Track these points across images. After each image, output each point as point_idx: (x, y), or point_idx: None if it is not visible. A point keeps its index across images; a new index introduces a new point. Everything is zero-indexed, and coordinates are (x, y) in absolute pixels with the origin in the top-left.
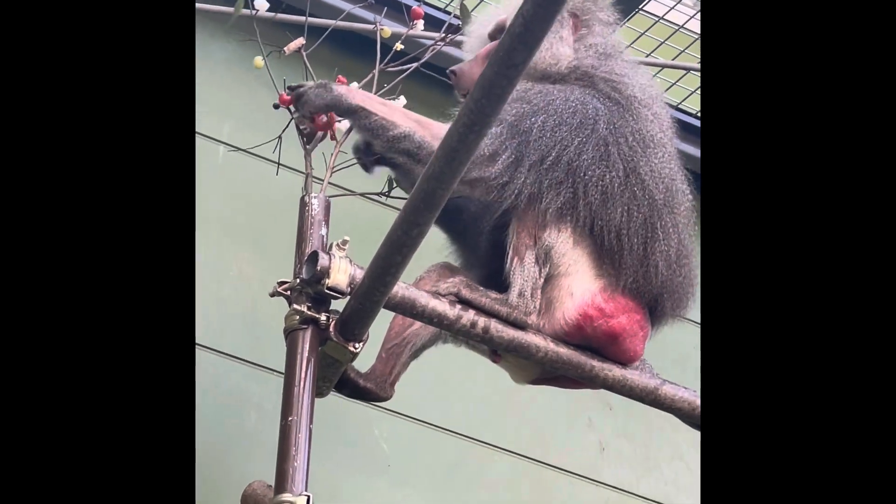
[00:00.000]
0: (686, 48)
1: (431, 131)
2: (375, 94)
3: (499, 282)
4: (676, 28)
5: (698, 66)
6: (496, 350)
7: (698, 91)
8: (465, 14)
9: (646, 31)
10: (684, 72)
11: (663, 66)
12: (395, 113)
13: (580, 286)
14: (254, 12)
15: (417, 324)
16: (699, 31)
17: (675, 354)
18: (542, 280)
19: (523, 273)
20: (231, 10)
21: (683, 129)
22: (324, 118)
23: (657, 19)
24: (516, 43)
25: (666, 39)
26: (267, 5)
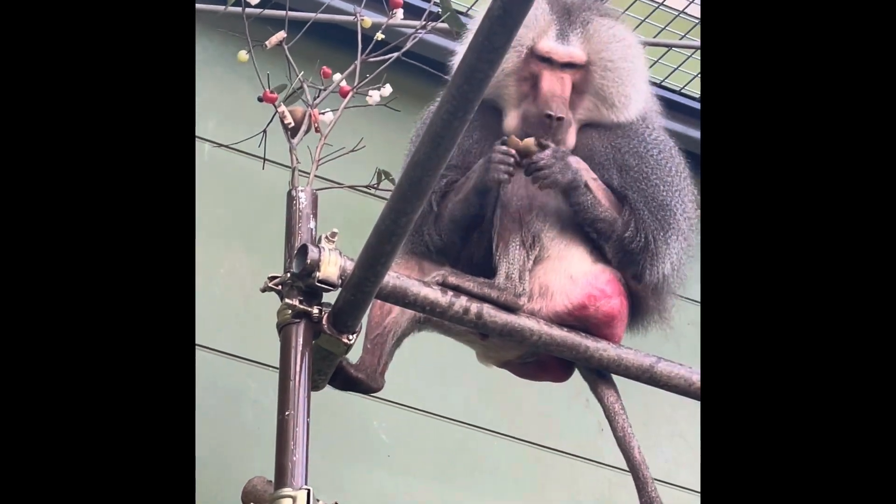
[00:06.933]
0: (687, 32)
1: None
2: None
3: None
4: (677, 13)
5: (698, 45)
6: (487, 334)
7: (698, 76)
8: (444, 1)
9: (646, 17)
10: (687, 54)
11: (671, 46)
12: (601, 191)
13: (579, 268)
14: (243, 9)
15: (395, 312)
16: (699, 16)
17: (669, 331)
18: (531, 263)
19: (508, 256)
20: (213, 7)
21: (685, 112)
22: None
23: (657, 6)
24: (496, 26)
25: (667, 25)
26: None
